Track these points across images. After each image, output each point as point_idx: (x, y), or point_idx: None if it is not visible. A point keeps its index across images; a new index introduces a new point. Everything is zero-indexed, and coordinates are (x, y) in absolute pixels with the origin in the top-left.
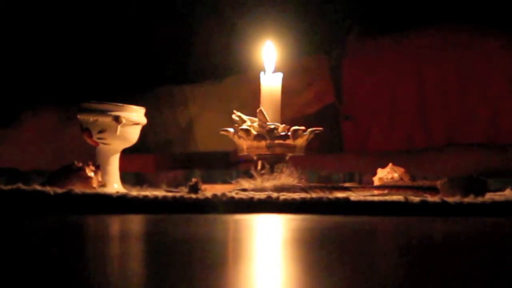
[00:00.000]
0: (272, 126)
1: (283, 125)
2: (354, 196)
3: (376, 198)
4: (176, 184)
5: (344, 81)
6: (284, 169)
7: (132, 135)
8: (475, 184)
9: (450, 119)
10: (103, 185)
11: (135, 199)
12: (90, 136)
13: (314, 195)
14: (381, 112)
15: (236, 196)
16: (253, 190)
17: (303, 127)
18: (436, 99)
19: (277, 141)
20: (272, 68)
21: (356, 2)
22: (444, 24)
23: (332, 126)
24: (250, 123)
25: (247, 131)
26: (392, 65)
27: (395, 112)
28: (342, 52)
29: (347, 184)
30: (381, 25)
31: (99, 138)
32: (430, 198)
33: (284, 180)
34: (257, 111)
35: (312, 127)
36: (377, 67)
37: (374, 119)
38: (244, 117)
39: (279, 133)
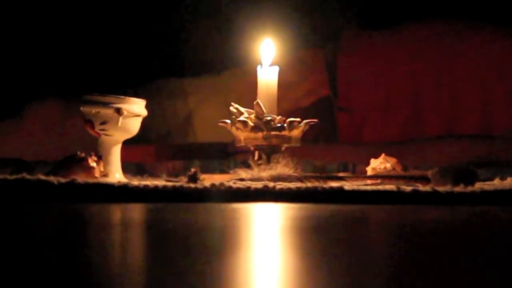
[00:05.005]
0: (268, 118)
1: (279, 116)
2: (348, 185)
3: (369, 188)
4: (175, 174)
5: (339, 74)
6: (280, 159)
7: (133, 126)
8: (465, 174)
9: (443, 111)
10: (105, 175)
11: (136, 188)
12: (93, 127)
13: (309, 184)
14: (375, 104)
15: (234, 186)
16: (250, 179)
17: (298, 119)
18: (429, 92)
19: (273, 132)
20: (269, 62)
21: None
22: (437, 18)
23: (327, 118)
24: (247, 115)
25: (244, 123)
26: (386, 58)
27: (388, 104)
28: (337, 46)
29: (341, 174)
30: (376, 19)
31: (101, 130)
32: (421, 187)
33: (280, 170)
34: (254, 103)
35: (307, 118)
36: (371, 60)
37: (368, 110)
38: (242, 109)
39: (275, 125)
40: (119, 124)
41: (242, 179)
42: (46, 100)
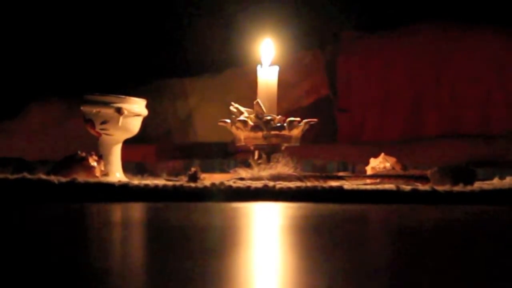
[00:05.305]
0: (268, 118)
1: (279, 116)
2: (347, 184)
3: (368, 187)
4: (176, 173)
5: (339, 74)
6: (280, 158)
7: (134, 126)
8: (464, 173)
9: (443, 111)
10: (105, 174)
11: (137, 187)
12: (93, 127)
13: (309, 183)
14: (374, 104)
15: (234, 185)
16: (250, 179)
17: (298, 118)
18: (429, 92)
19: (273, 132)
20: (269, 62)
21: None
22: (436, 19)
23: (326, 118)
24: (247, 114)
25: (244, 122)
26: (385, 59)
27: (388, 104)
28: (337, 46)
29: (340, 173)
30: (375, 21)
31: (101, 129)
32: (420, 186)
33: (280, 170)
34: (254, 103)
35: (307, 118)
36: (370, 61)
37: (368, 110)
38: (242, 108)
39: (275, 124)
40: (120, 123)
41: (242, 179)
42: (47, 100)
